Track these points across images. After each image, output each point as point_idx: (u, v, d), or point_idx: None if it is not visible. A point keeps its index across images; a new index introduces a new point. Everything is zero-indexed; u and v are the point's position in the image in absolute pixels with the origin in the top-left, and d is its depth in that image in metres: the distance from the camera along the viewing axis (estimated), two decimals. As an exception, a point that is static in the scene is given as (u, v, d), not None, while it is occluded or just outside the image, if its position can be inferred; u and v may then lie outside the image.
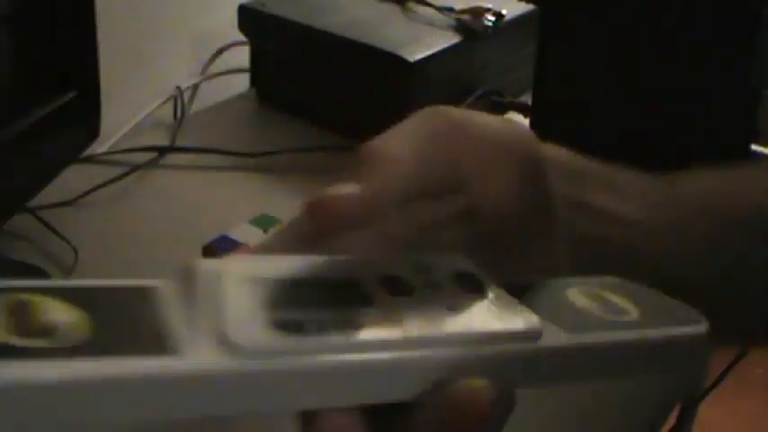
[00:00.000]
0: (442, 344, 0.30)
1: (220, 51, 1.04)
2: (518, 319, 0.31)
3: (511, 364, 0.31)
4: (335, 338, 0.28)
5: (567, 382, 0.33)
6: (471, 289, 0.32)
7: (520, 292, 0.34)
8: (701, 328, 0.36)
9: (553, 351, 0.32)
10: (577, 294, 0.37)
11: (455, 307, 0.31)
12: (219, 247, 0.62)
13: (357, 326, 0.29)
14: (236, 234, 0.63)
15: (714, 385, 0.70)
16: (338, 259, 0.32)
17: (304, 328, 0.28)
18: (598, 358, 0.33)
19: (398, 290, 0.31)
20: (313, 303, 0.29)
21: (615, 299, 0.37)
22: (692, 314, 0.37)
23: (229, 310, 0.27)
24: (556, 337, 0.32)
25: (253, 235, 0.63)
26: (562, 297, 0.36)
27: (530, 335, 0.31)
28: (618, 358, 0.34)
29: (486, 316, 0.31)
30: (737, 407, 1.83)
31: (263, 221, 0.65)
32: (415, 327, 0.29)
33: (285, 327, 0.28)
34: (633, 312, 0.37)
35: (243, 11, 0.96)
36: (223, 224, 0.77)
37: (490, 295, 0.32)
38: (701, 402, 0.80)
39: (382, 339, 0.29)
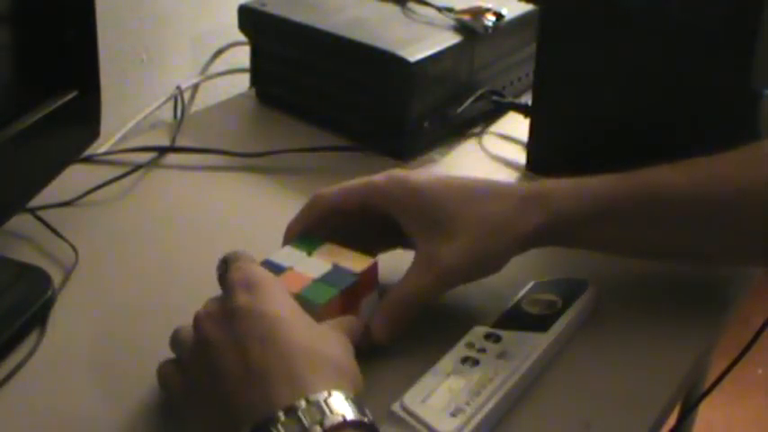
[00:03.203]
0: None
1: (220, 51, 1.04)
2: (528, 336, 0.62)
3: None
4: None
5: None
6: (498, 338, 0.61)
7: (499, 319, 0.64)
8: (592, 287, 0.66)
9: (551, 342, 0.61)
10: (527, 305, 0.65)
11: (505, 351, 0.59)
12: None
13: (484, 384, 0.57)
14: (280, 258, 0.61)
15: (714, 385, 0.70)
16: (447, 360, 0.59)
17: (463, 410, 0.54)
18: (567, 330, 0.63)
19: (475, 360, 0.59)
20: (456, 394, 0.55)
21: (544, 297, 0.65)
22: (582, 282, 0.67)
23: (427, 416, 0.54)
24: (546, 337, 0.61)
25: (297, 258, 0.61)
26: (523, 311, 0.64)
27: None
28: (570, 324, 0.63)
29: (520, 341, 0.61)
30: (738, 407, 1.83)
31: (305, 243, 0.62)
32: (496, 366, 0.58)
33: (454, 414, 0.54)
34: (559, 301, 0.65)
35: (243, 11, 0.96)
36: (224, 224, 0.77)
37: (504, 336, 0.61)
38: (701, 403, 0.80)
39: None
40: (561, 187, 0.64)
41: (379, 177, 0.64)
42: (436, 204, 0.62)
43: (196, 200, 0.81)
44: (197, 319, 0.54)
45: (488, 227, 0.61)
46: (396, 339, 0.61)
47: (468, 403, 0.55)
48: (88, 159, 0.85)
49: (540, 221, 0.62)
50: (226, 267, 0.57)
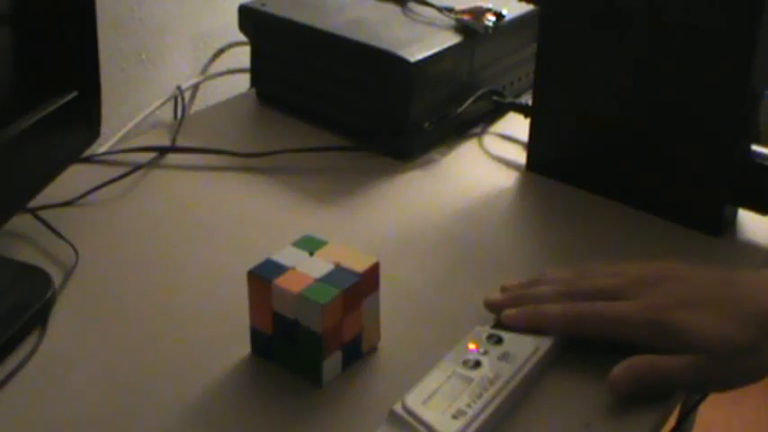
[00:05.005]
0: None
1: (220, 51, 1.04)
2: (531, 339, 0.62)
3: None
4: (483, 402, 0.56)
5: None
6: (500, 339, 0.61)
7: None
8: None
9: (553, 344, 0.62)
10: None
11: (506, 353, 0.60)
12: (267, 272, 0.59)
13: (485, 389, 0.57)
14: (282, 258, 0.60)
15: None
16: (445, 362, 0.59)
17: (465, 412, 0.54)
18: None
19: (477, 362, 0.58)
20: (458, 396, 0.56)
21: None
22: None
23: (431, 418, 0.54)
24: (547, 339, 0.62)
25: (299, 258, 0.60)
26: None
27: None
28: None
29: (521, 343, 0.61)
30: (737, 407, 1.83)
31: (308, 243, 0.62)
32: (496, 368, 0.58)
33: (456, 416, 0.54)
34: None
35: (243, 11, 0.96)
36: (224, 224, 0.77)
37: (505, 337, 0.61)
38: (701, 403, 0.80)
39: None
40: None
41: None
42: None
43: (196, 200, 0.81)
44: None
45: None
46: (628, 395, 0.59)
47: (469, 405, 0.55)
48: (88, 159, 0.85)
49: None
50: None
